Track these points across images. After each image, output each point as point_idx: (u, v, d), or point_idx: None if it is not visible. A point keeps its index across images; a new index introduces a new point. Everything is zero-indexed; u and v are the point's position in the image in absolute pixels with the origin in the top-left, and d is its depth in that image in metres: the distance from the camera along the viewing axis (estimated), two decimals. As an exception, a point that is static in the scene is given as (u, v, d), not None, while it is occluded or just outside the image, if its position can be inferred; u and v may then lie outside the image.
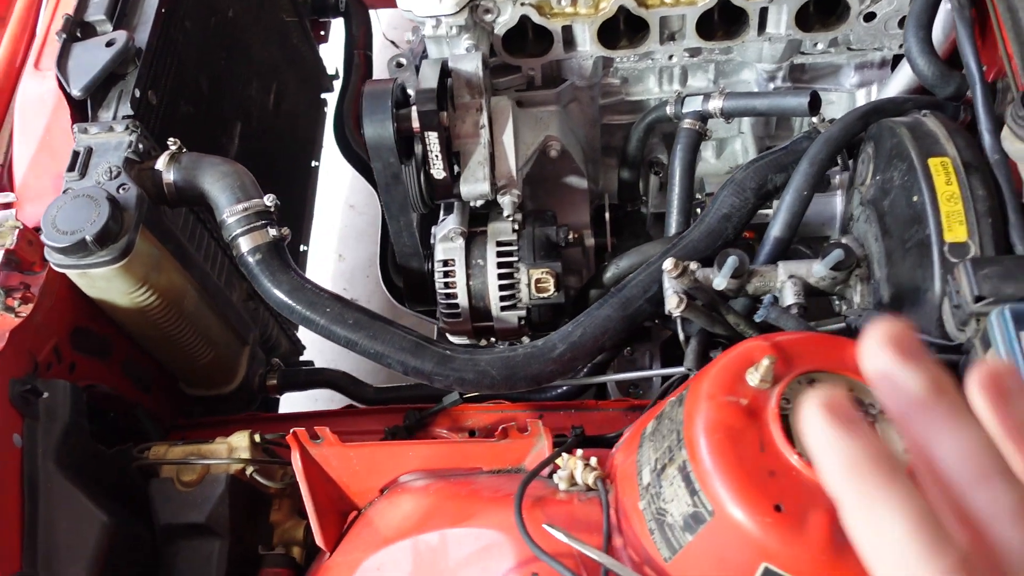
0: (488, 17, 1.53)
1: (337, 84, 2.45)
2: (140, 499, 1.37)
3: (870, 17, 1.52)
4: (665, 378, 1.44)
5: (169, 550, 1.35)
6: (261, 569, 1.36)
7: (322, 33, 2.46)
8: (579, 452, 1.20)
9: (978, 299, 1.00)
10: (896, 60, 1.62)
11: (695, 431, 0.97)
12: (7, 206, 1.44)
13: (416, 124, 1.41)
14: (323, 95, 2.47)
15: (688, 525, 0.96)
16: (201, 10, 1.75)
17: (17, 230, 1.37)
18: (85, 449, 1.34)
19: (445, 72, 1.46)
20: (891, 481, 0.33)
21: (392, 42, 2.55)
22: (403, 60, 1.59)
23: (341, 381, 1.82)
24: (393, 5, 2.51)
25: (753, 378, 0.99)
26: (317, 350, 2.21)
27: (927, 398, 0.34)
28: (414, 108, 1.40)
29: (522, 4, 1.52)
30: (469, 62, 1.47)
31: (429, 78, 1.41)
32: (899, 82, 1.53)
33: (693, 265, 1.33)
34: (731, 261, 1.32)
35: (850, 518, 0.35)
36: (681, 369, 1.34)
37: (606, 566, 1.00)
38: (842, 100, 1.71)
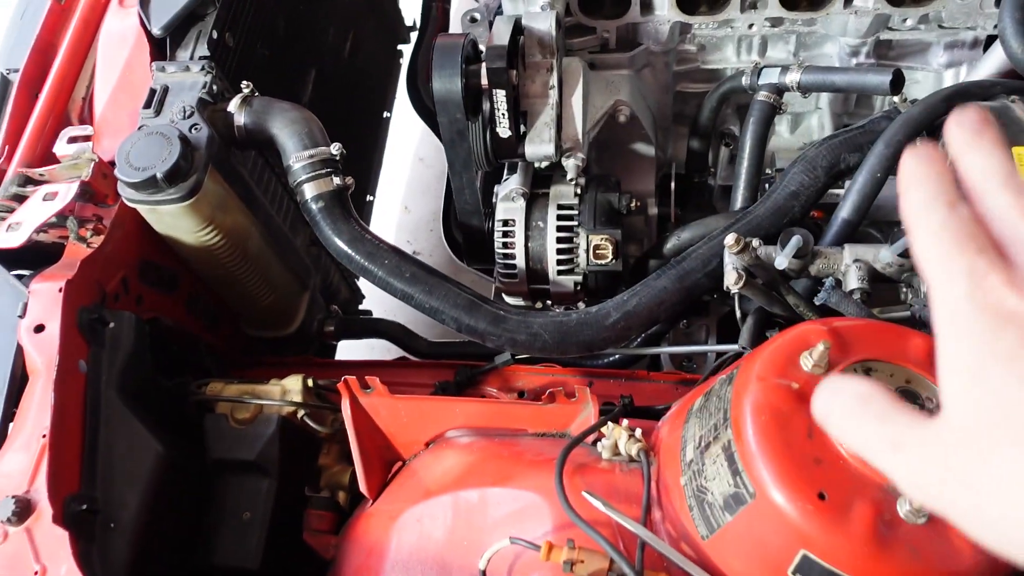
0: (566, -25, 1.51)
1: (414, 36, 2.44)
2: (193, 432, 1.42)
3: (966, -6, 1.45)
4: (719, 354, 1.42)
5: (219, 484, 1.39)
6: (306, 510, 1.40)
7: (402, -18, 2.45)
8: (624, 422, 1.20)
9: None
10: (990, 41, 1.54)
11: (742, 411, 0.95)
12: (85, 139, 1.48)
13: (485, 81, 1.40)
14: (399, 46, 2.46)
15: (728, 505, 0.95)
16: (282, -47, 1.76)
17: (93, 163, 1.41)
18: (146, 380, 1.38)
19: (518, 30, 1.44)
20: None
21: (471, -5, 2.53)
22: (477, 15, 1.57)
23: (396, 332, 1.84)
24: (474, -42, 2.51)
25: (807, 362, 0.97)
26: (376, 300, 2.25)
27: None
28: (484, 64, 1.39)
29: (601, -37, 1.49)
30: (543, 20, 1.45)
31: (501, 35, 1.40)
32: (990, 64, 1.46)
33: (755, 242, 1.30)
34: (794, 240, 1.29)
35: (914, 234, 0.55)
36: (735, 347, 1.32)
37: (642, 538, 1.00)
38: (928, 80, 1.63)
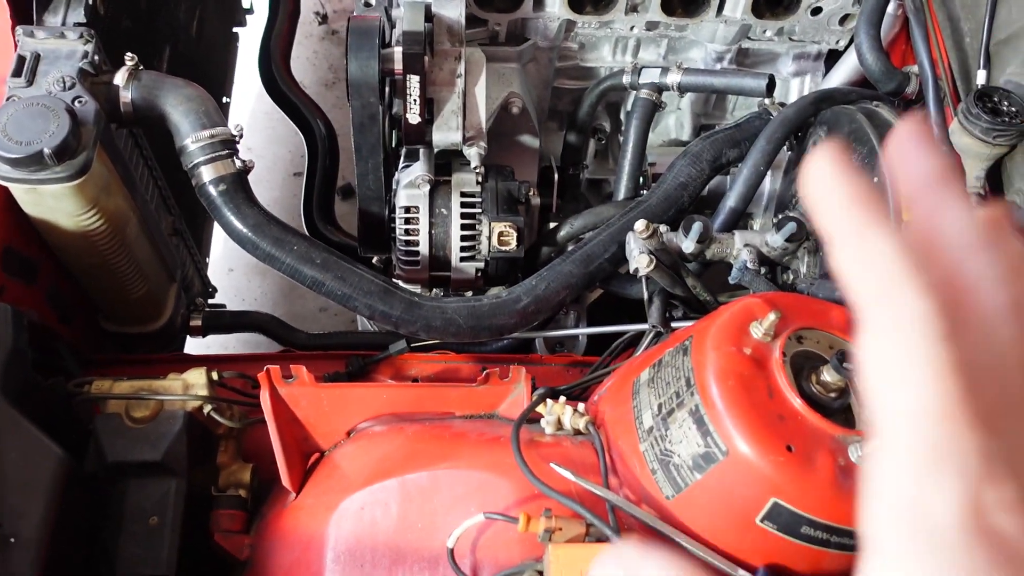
0: (464, -34, 1.53)
1: (252, 19, 2.34)
2: (74, 435, 1.29)
3: (816, 11, 1.64)
4: (620, 334, 1.51)
5: (116, 489, 1.28)
6: (214, 510, 1.32)
7: (241, -36, 2.34)
8: (563, 399, 1.24)
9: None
10: (831, 55, 1.75)
11: (707, 377, 1.03)
12: (-64, 109, 1.30)
13: (399, 66, 1.39)
14: (235, 29, 2.35)
15: (698, 464, 1.02)
16: (143, -81, 1.63)
17: (-45, 136, 1.24)
18: (28, 379, 1.24)
19: (427, 16, 1.44)
20: (881, 218, 0.39)
21: (303, -18, 2.45)
22: (372, 0, 1.55)
23: (269, 325, 1.76)
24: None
25: (757, 331, 1.07)
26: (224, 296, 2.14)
27: (937, 179, 0.40)
28: (397, 49, 1.38)
29: (500, -43, 1.53)
30: (453, 8, 1.46)
31: (415, 21, 1.40)
32: (841, 74, 1.66)
33: (662, 228, 1.40)
34: (697, 226, 1.40)
35: (841, 251, 0.39)
36: (645, 325, 1.41)
37: (612, 502, 1.05)
38: (777, 87, 1.82)
